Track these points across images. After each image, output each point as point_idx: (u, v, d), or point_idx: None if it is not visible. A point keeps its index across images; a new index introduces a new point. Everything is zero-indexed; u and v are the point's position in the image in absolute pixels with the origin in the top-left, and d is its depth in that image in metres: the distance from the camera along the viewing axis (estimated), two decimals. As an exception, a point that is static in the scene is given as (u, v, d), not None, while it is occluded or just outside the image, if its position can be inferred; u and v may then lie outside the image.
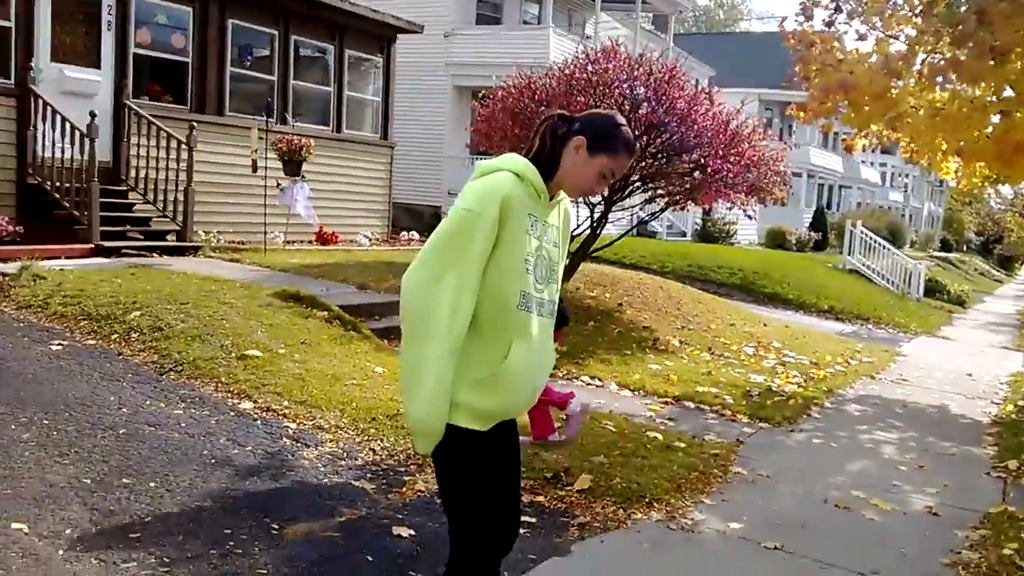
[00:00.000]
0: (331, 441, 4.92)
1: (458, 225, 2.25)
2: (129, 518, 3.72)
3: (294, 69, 13.24)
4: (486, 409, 2.34)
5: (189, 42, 11.74)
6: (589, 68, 10.32)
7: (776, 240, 25.96)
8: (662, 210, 12.38)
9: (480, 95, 12.11)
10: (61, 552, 3.35)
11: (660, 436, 5.62)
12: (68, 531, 3.53)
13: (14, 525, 3.50)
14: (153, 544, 3.51)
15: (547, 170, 2.42)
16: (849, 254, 19.67)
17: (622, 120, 2.49)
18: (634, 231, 14.48)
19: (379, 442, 4.97)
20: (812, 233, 27.87)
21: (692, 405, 6.77)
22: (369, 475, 4.55)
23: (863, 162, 43.28)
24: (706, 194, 10.49)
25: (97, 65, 10.63)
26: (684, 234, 24.47)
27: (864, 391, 8.27)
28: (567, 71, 10.46)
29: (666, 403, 6.78)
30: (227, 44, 12.17)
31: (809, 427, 6.61)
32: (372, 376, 6.04)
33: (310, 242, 12.63)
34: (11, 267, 7.59)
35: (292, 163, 10.95)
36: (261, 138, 10.73)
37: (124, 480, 4.08)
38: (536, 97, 10.31)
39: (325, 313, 7.18)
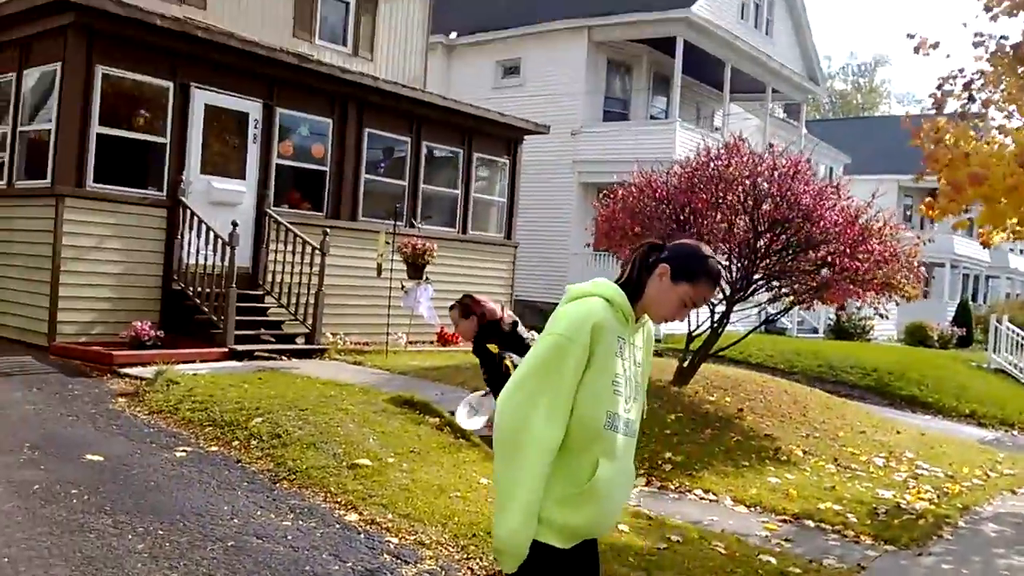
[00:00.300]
0: (431, 558, 4.92)
1: (551, 351, 2.38)
2: (224, 638, 3.82)
3: (424, 173, 13.80)
4: (571, 526, 2.39)
5: (328, 151, 12.44)
6: (711, 165, 10.28)
7: (917, 336, 24.53)
8: (787, 309, 12.03)
9: (601, 194, 12.24)
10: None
11: (774, 560, 5.35)
12: (166, 650, 3.66)
13: (117, 642, 3.66)
14: (242, 667, 3.59)
15: (634, 294, 2.53)
16: (994, 352, 18.40)
17: (708, 251, 2.59)
18: (761, 328, 14.09)
19: (478, 561, 4.94)
20: (955, 328, 26.24)
21: (812, 524, 6.41)
22: (464, 597, 4.52)
23: (1011, 250, 40.71)
24: (834, 293, 10.14)
25: (242, 176, 11.40)
26: (816, 330, 23.51)
27: (1003, 508, 7.61)
28: (688, 168, 10.46)
29: (784, 521, 6.44)
30: (363, 152, 12.84)
31: (939, 550, 6.12)
32: (476, 488, 6.04)
33: (431, 343, 12.91)
34: (148, 371, 8.13)
35: (416, 266, 11.32)
36: (388, 243, 11.18)
37: (226, 596, 4.21)
38: (657, 195, 10.33)
39: (437, 420, 7.29)
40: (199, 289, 10.09)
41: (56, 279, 9.46)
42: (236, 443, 6.43)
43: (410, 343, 12.04)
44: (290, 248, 10.95)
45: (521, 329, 5.03)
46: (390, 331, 11.45)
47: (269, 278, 11.15)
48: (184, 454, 6.15)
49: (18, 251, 10.14)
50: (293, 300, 10.83)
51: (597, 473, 2.38)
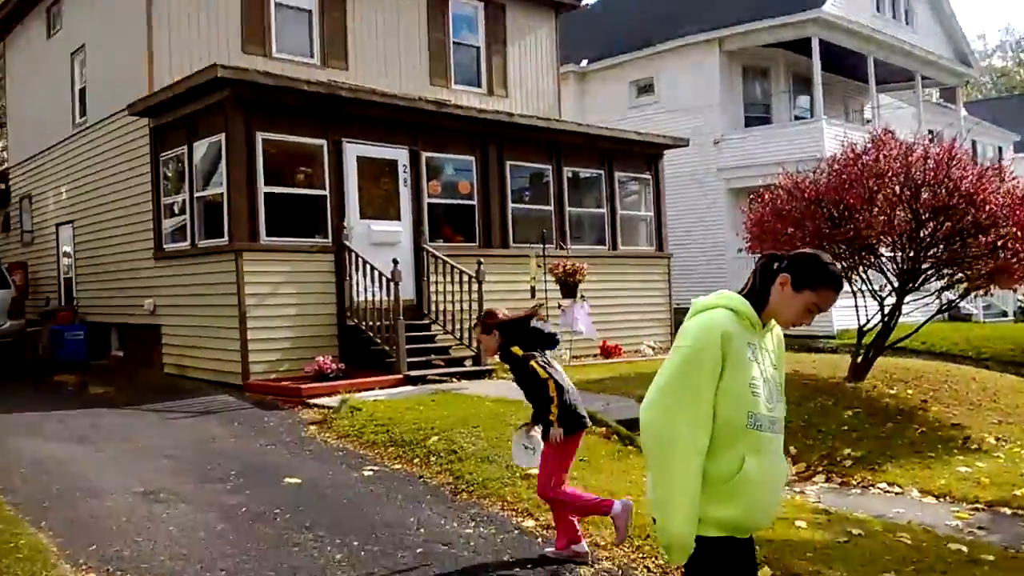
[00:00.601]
0: (607, 559, 5.04)
1: (683, 361, 2.55)
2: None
3: (568, 197, 14.06)
4: (726, 519, 2.55)
5: (473, 187, 12.95)
6: (859, 161, 10.00)
7: (1123, 305, 22.46)
8: (963, 296, 11.45)
9: (750, 198, 12.09)
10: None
11: (965, 548, 5.13)
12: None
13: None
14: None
15: (758, 303, 2.67)
16: None
17: (827, 259, 2.69)
18: (946, 315, 13.37)
19: (653, 560, 5.01)
20: None
21: (1008, 511, 6.09)
22: (644, 593, 4.61)
23: None
24: (1009, 277, 9.61)
25: (397, 217, 12.06)
26: (1005, 314, 21.99)
27: None
28: (835, 167, 10.21)
29: (976, 510, 6.15)
30: (507, 183, 13.26)
31: None
32: (645, 491, 6.10)
33: (594, 356, 13.06)
34: (334, 400, 8.72)
35: (568, 285, 11.54)
36: (539, 266, 11.46)
37: (419, 598, 4.47)
38: (806, 195, 10.13)
39: (603, 429, 7.43)
40: (370, 323, 10.74)
41: (244, 325, 10.31)
42: (417, 460, 6.80)
43: (574, 358, 12.24)
44: (448, 279, 11.47)
45: (535, 321, 5.17)
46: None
47: (433, 307, 11.71)
48: (371, 473, 6.56)
49: (207, 303, 11.12)
50: (457, 326, 11.34)
51: (744, 467, 2.52)
